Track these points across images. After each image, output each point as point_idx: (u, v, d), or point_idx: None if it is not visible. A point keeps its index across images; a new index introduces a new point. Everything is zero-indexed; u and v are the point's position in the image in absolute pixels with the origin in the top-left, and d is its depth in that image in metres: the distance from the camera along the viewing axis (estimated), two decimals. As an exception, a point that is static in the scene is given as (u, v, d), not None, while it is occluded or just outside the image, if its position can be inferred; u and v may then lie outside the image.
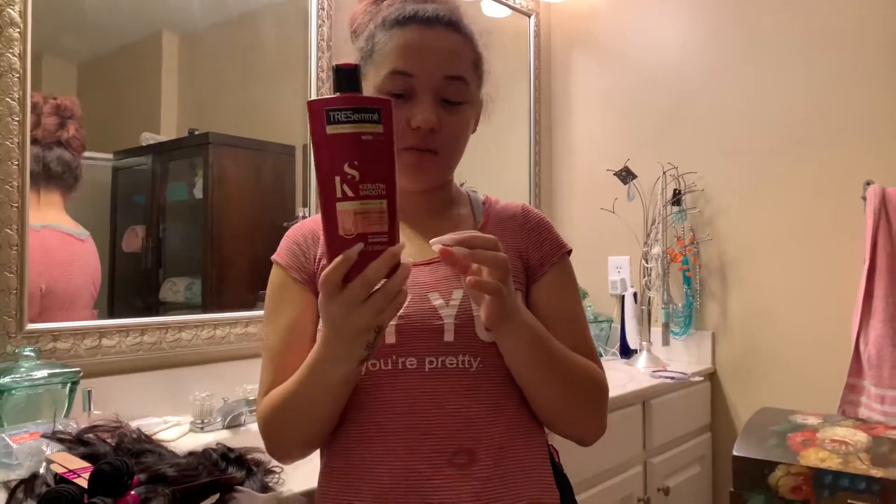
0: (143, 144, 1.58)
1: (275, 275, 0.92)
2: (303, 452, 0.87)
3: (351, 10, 0.97)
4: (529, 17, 2.61)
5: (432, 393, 0.81)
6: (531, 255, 0.94)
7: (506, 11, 2.53)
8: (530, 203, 2.57)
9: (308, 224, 0.95)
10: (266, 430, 0.86)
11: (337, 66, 0.66)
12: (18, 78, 1.28)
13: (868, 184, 1.90)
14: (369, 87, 0.89)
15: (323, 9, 1.86)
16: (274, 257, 0.93)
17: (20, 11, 1.29)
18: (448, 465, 0.80)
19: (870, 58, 1.95)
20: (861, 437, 1.64)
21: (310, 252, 0.91)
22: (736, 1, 2.21)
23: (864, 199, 1.90)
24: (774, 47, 2.13)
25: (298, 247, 0.92)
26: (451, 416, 0.81)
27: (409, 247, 0.91)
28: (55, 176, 1.37)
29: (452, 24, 0.90)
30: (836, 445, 1.62)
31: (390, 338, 0.83)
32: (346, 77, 0.65)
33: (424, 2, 0.91)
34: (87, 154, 1.45)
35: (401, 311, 0.82)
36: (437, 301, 0.84)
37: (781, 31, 2.11)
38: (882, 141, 1.93)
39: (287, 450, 0.87)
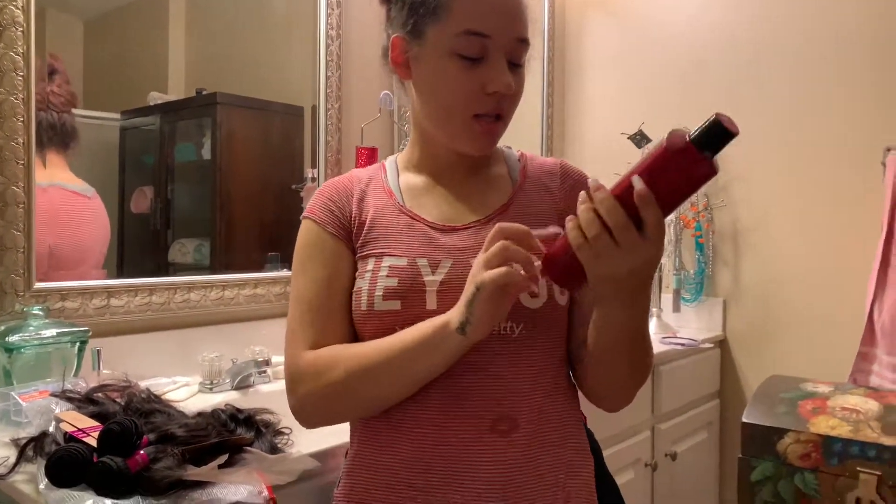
0: (151, 104, 1.56)
1: (307, 230, 0.89)
2: (358, 418, 0.85)
3: None
4: (544, -25, 2.54)
5: (473, 357, 0.79)
6: (571, 213, 0.91)
7: (520, -31, 2.46)
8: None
9: (341, 181, 0.92)
10: (320, 391, 0.81)
11: (723, 128, 0.64)
12: (22, 32, 1.25)
13: (889, 150, 1.86)
14: (430, 43, 0.84)
15: (332, -36, 1.82)
16: (306, 213, 0.90)
17: (22, -37, 1.25)
18: (490, 431, 0.79)
19: (892, 23, 1.89)
20: (872, 405, 1.63)
21: (346, 209, 0.89)
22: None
23: (884, 165, 1.86)
24: (793, 10, 2.07)
25: (334, 203, 0.89)
26: (492, 381, 0.80)
27: (450, 209, 0.89)
28: (49, 136, 1.35)
29: None
30: (846, 413, 1.62)
31: (431, 303, 0.81)
32: (721, 140, 0.65)
33: None
34: (93, 113, 1.44)
35: (442, 276, 0.82)
36: None
37: (804, -10, 2.05)
38: (904, 105, 1.88)
39: (346, 415, 0.85)
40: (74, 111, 1.40)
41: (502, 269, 0.70)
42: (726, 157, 2.20)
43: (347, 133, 1.88)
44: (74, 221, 1.41)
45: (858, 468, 1.52)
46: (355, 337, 0.86)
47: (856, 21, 1.96)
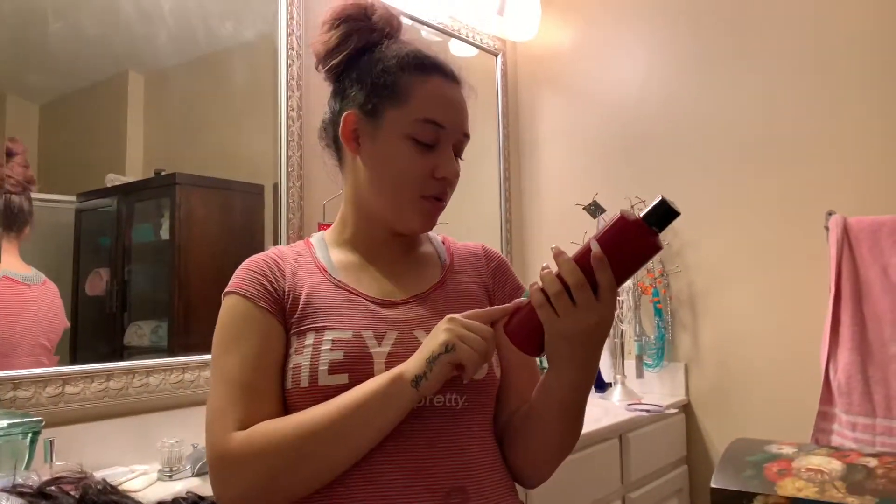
0: (109, 186, 1.55)
1: (233, 305, 0.86)
2: (299, 496, 0.79)
3: (319, 36, 0.96)
4: (496, 56, 2.65)
5: (422, 431, 0.80)
6: (496, 293, 0.97)
7: (473, 51, 2.57)
8: (501, 237, 2.58)
9: (269, 256, 0.91)
10: (258, 469, 0.76)
11: (669, 207, 0.74)
12: (-21, 119, 1.25)
13: (830, 214, 1.94)
14: (387, 125, 0.88)
15: (293, 48, 1.87)
16: (232, 288, 0.87)
17: (-18, 52, 1.26)
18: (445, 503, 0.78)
19: (828, 86, 2.01)
20: (836, 465, 1.64)
21: (277, 284, 0.87)
22: (694, 31, 2.29)
23: (827, 228, 1.94)
24: (734, 79, 2.19)
25: (264, 276, 0.87)
26: (443, 454, 0.80)
27: (387, 285, 0.91)
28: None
29: (462, 82, 0.94)
30: (811, 474, 1.63)
31: (379, 374, 0.80)
32: (666, 219, 0.75)
33: (419, 46, 0.93)
34: (48, 196, 1.42)
35: (388, 348, 0.83)
36: (424, 338, 0.83)
37: (741, 61, 2.18)
38: (841, 170, 1.98)
39: (289, 492, 0.78)
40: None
41: (475, 355, 0.75)
42: (679, 225, 2.27)
43: (309, 210, 1.89)
44: (12, 312, 1.36)
45: (828, 529, 1.52)
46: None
47: (794, 90, 2.07)
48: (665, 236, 2.30)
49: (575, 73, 2.59)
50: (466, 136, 0.93)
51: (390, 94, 0.88)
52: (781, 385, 2.07)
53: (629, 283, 2.29)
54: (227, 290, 0.88)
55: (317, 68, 0.97)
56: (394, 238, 0.95)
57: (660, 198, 0.75)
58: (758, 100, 2.14)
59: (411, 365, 0.77)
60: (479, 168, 2.57)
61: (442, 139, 0.89)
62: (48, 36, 1.43)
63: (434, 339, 0.77)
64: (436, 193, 0.90)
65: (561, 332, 0.75)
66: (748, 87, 2.16)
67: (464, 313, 0.79)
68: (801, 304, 2.04)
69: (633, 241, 0.75)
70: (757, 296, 2.13)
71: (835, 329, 1.90)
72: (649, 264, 2.31)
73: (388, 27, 0.94)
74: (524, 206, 2.73)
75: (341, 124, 0.91)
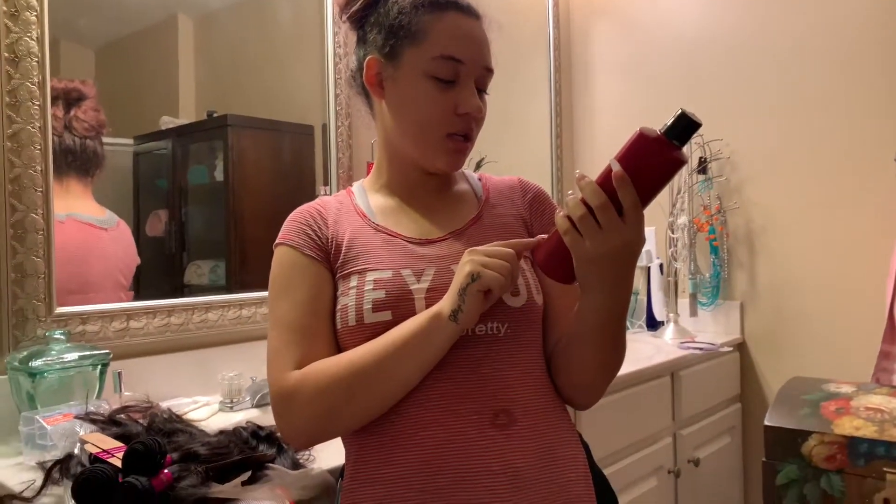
0: (163, 128, 1.58)
1: (283, 255, 0.91)
2: (353, 428, 0.84)
3: None
4: (548, -15, 2.56)
5: (466, 359, 0.83)
6: (533, 223, 0.97)
7: (523, -19, 2.48)
8: (552, 175, 2.54)
9: (313, 207, 0.95)
10: (316, 404, 0.81)
11: (689, 119, 0.72)
12: (37, 62, 1.28)
13: (901, 149, 1.85)
14: (406, 65, 0.89)
15: (337, -16, 1.84)
16: (281, 240, 0.92)
17: (36, -5, 1.28)
18: (491, 426, 0.81)
19: (902, 15, 1.89)
20: (896, 404, 1.61)
21: (321, 232, 0.91)
22: (760, -39, 2.15)
23: (897, 165, 1.85)
24: (803, 11, 2.07)
25: (309, 227, 0.91)
26: (486, 379, 0.83)
27: (424, 224, 0.93)
28: (67, 162, 1.37)
29: (481, 16, 0.93)
30: (871, 413, 1.60)
31: (421, 309, 0.83)
32: (687, 132, 0.73)
33: None
34: (107, 140, 1.45)
35: (427, 283, 0.85)
36: None
37: (808, -10, 2.05)
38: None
39: (343, 425, 0.83)
40: (90, 137, 1.42)
41: (500, 277, 0.77)
42: (739, 159, 2.20)
43: (358, 150, 1.90)
44: (83, 256, 1.41)
45: (885, 469, 1.50)
46: None
47: (864, 22, 1.95)
48: (723, 171, 2.23)
49: (631, 2, 2.48)
50: (489, 71, 0.92)
51: (407, 34, 0.89)
52: (841, 325, 2.02)
53: (684, 219, 2.23)
54: (276, 241, 0.93)
55: (340, 18, 0.98)
56: (428, 178, 0.96)
57: (679, 110, 0.73)
58: (826, 36, 2.01)
59: (446, 301, 0.80)
60: (528, 103, 2.51)
61: (462, 74, 0.88)
62: (98, -22, 1.44)
63: (460, 272, 0.79)
64: (460, 130, 0.90)
65: (589, 256, 0.75)
66: (817, 21, 2.03)
67: (485, 246, 0.81)
68: (863, 246, 1.97)
69: (655, 157, 0.73)
70: (819, 235, 2.06)
71: (901, 267, 1.82)
72: (707, 199, 2.26)
73: None
74: (576, 144, 2.66)
75: (364, 70, 0.93)
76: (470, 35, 0.90)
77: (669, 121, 0.73)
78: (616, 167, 0.73)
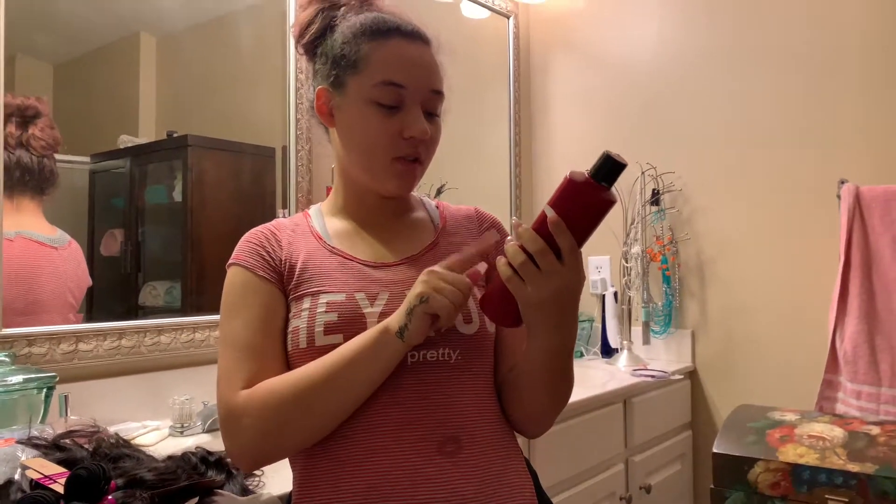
0: (121, 147, 1.56)
1: (235, 275, 0.91)
2: (301, 447, 0.84)
3: (296, 15, 0.99)
4: (508, 18, 2.62)
5: (416, 385, 0.84)
6: (490, 254, 0.98)
7: (485, 13, 2.54)
8: (511, 202, 2.58)
9: (268, 228, 0.95)
10: (264, 420, 0.81)
11: (614, 161, 0.75)
12: (-9, 80, 1.27)
13: (842, 182, 1.93)
14: (351, 93, 0.90)
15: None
16: (234, 260, 0.92)
17: (-7, 12, 1.27)
18: (438, 453, 0.82)
19: (844, 57, 1.98)
20: (838, 432, 1.66)
21: (275, 254, 0.92)
22: (710, 1, 2.24)
23: (839, 197, 1.93)
24: (750, 46, 2.16)
25: (262, 247, 0.92)
26: (435, 406, 0.84)
27: (380, 248, 0.94)
28: (22, 180, 1.35)
29: (429, 40, 0.94)
30: (813, 441, 1.65)
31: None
32: (613, 172, 0.75)
33: (384, 12, 0.95)
34: (63, 157, 1.43)
35: (381, 308, 0.86)
36: None
37: (756, 29, 2.14)
38: (855, 139, 1.96)
39: (291, 442, 0.83)
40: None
41: (449, 305, 0.78)
42: (689, 191, 2.26)
43: (318, 173, 1.90)
44: (32, 275, 1.39)
45: (827, 495, 1.54)
46: None
47: (807, 52, 2.04)
48: (675, 203, 2.30)
49: (587, 36, 2.56)
50: (437, 93, 0.93)
51: (349, 63, 0.90)
52: (787, 353, 2.08)
53: (637, 248, 2.29)
54: (229, 262, 0.93)
55: (296, 48, 1.00)
56: (384, 203, 0.97)
57: (604, 153, 0.76)
58: (774, 68, 2.10)
59: (395, 318, 0.81)
60: (489, 133, 2.56)
61: (406, 99, 0.89)
62: (58, -4, 1.43)
63: (412, 290, 0.80)
64: (407, 154, 0.91)
65: (532, 300, 0.77)
66: (765, 54, 2.12)
67: (441, 262, 0.82)
68: (809, 274, 2.04)
69: (586, 199, 0.76)
70: (766, 264, 2.13)
71: (843, 298, 1.90)
72: (660, 230, 2.31)
73: (356, 0, 0.96)
74: (534, 172, 2.72)
75: (314, 100, 0.95)
76: (412, 60, 0.91)
77: (596, 163, 0.76)
78: (550, 213, 0.75)
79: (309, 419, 0.81)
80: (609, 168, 0.75)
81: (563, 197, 0.76)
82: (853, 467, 1.54)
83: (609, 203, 0.76)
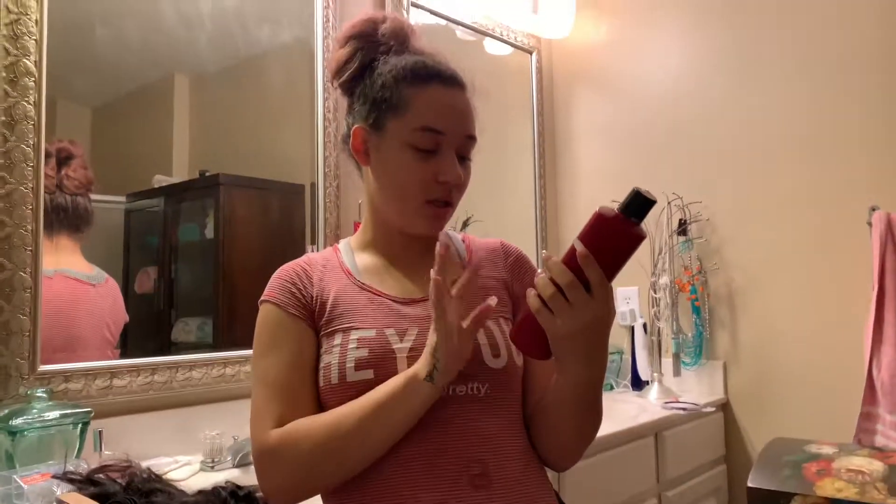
0: (156, 186, 1.61)
1: (268, 313, 0.93)
2: (334, 486, 0.86)
3: (332, 53, 1.01)
4: (531, 54, 2.66)
5: (446, 419, 0.85)
6: (514, 285, 1.00)
7: (508, 49, 2.58)
8: (536, 236, 2.59)
9: (299, 265, 0.97)
10: (297, 462, 0.83)
11: (644, 197, 0.76)
12: (33, 125, 1.32)
13: (873, 209, 1.90)
14: (389, 136, 0.92)
15: (328, 50, 1.90)
16: (265, 297, 0.94)
17: (35, 61, 1.33)
18: (469, 486, 0.82)
19: (870, 82, 1.97)
20: (877, 465, 1.61)
21: (306, 291, 0.93)
22: (732, 27, 2.25)
23: (870, 224, 1.90)
24: (773, 73, 2.15)
25: (293, 284, 0.93)
26: (466, 440, 0.85)
27: (408, 284, 0.95)
28: (58, 218, 1.40)
29: (465, 85, 0.96)
30: (852, 475, 1.60)
31: (402, 369, 0.85)
32: (643, 208, 0.77)
33: (423, 54, 0.97)
34: (99, 197, 1.48)
35: (410, 343, 0.87)
36: None
37: (780, 56, 2.14)
38: (885, 165, 1.94)
39: (323, 484, 0.85)
40: (83, 195, 1.45)
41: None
42: (718, 221, 2.25)
43: (345, 209, 1.93)
44: (70, 312, 1.42)
45: (867, 531, 1.50)
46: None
47: (837, 84, 2.03)
48: (702, 233, 2.28)
49: (610, 70, 2.58)
50: (472, 139, 0.95)
51: (389, 106, 0.92)
52: (823, 384, 2.03)
53: (665, 279, 2.27)
54: (261, 299, 0.95)
55: (332, 84, 1.02)
56: (412, 240, 0.98)
57: (633, 189, 0.77)
58: (799, 94, 2.10)
59: (421, 362, 0.82)
60: (514, 166, 2.58)
61: (443, 144, 0.91)
62: (95, 42, 1.49)
63: (430, 333, 0.82)
64: (440, 197, 0.92)
65: (561, 332, 0.78)
66: (788, 80, 2.12)
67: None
68: (842, 302, 2.00)
69: (615, 235, 0.77)
70: (797, 293, 2.09)
71: (878, 327, 1.85)
72: (688, 260, 2.30)
73: (394, 40, 0.97)
74: (559, 205, 2.72)
75: (351, 138, 0.96)
76: (451, 106, 0.92)
77: (625, 199, 0.77)
78: (579, 247, 0.76)
79: (341, 462, 0.83)
80: (639, 204, 0.76)
81: (593, 231, 0.77)
82: (893, 502, 1.49)
83: (639, 238, 0.77)
